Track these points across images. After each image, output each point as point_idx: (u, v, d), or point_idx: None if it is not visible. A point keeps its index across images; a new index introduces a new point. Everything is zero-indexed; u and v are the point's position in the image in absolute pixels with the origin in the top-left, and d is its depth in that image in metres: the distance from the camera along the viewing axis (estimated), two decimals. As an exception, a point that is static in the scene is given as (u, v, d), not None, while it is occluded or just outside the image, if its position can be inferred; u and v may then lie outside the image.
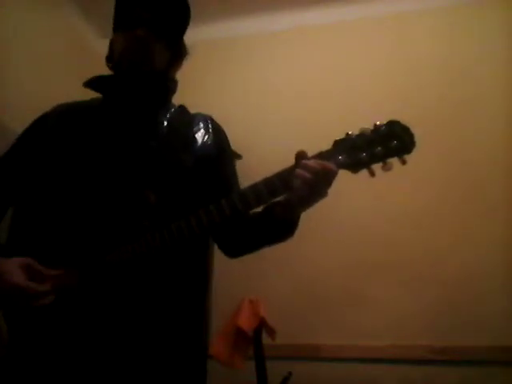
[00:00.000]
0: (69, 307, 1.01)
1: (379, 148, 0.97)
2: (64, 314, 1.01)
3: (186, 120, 1.25)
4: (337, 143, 1.01)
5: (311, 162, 0.99)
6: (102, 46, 3.11)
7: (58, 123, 1.22)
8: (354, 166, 0.99)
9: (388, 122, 1.00)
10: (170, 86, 1.25)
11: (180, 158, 1.15)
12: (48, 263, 1.02)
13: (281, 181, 1.02)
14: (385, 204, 2.40)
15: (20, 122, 2.40)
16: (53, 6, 2.81)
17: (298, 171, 0.99)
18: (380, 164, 0.98)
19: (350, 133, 1.01)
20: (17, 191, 1.21)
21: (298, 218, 1.10)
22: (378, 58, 2.75)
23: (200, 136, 1.22)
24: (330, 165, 0.98)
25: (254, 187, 1.02)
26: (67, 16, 2.94)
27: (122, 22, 1.21)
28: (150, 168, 1.11)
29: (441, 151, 2.47)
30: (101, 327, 1.03)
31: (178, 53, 1.27)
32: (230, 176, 1.27)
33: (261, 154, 2.58)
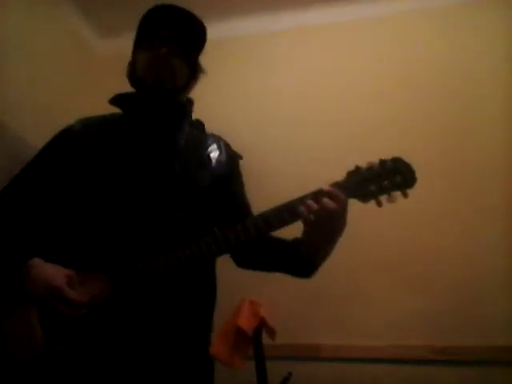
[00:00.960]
0: (101, 310, 1.09)
1: (386, 182, 1.09)
2: (96, 317, 1.09)
3: (201, 139, 1.34)
4: (349, 174, 1.11)
5: (310, 202, 1.07)
6: (101, 46, 3.15)
7: (82, 139, 1.26)
8: (364, 197, 1.10)
9: (392, 159, 1.11)
10: (188, 109, 1.34)
11: (198, 177, 1.26)
12: (83, 271, 1.10)
13: (300, 204, 1.08)
14: (384, 204, 2.40)
15: (20, 121, 2.41)
16: (52, 6, 2.81)
17: (306, 201, 1.07)
18: (386, 196, 1.09)
19: (359, 166, 1.11)
20: (43, 206, 1.26)
21: (321, 261, 1.21)
22: (378, 58, 2.75)
23: (214, 155, 1.32)
24: (330, 203, 1.04)
25: (276, 210, 1.09)
26: (67, 16, 2.94)
27: (145, 42, 1.29)
28: (173, 187, 1.21)
29: (441, 151, 2.47)
30: (128, 329, 1.10)
31: (196, 71, 1.35)
32: (241, 193, 1.38)
33: (261, 153, 2.57)
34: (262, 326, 2.12)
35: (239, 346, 2.08)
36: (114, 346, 1.09)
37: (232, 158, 1.38)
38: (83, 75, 2.97)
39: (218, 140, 1.37)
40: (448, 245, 2.33)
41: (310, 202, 1.05)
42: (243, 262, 1.35)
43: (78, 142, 1.25)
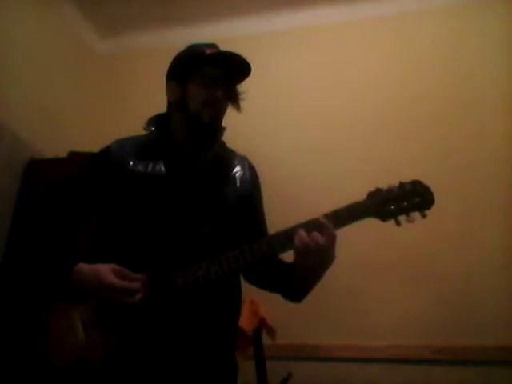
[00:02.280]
0: (138, 315, 1.16)
1: (405, 203, 1.15)
2: (133, 321, 1.16)
3: (226, 159, 1.43)
4: (370, 195, 1.16)
5: (303, 235, 1.11)
6: (101, 46, 3.14)
7: (120, 160, 1.34)
8: (384, 216, 1.16)
9: (411, 181, 1.16)
10: (221, 134, 1.40)
11: (225, 195, 1.33)
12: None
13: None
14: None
15: (20, 121, 2.41)
16: (52, 7, 2.81)
17: (299, 231, 1.12)
18: (404, 216, 1.15)
19: (380, 187, 1.16)
20: (84, 221, 1.36)
21: (309, 287, 1.25)
22: (378, 58, 2.75)
23: (239, 175, 1.41)
24: (320, 238, 1.09)
25: (288, 230, 1.15)
26: (67, 16, 2.94)
27: (200, 78, 1.35)
28: (202, 204, 1.29)
29: (442, 151, 2.47)
30: (161, 334, 1.17)
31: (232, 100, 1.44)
32: (261, 213, 1.46)
33: (260, 153, 2.57)
34: (262, 325, 2.12)
35: (239, 346, 2.08)
36: (149, 349, 1.16)
37: (255, 177, 1.47)
38: (83, 75, 2.97)
39: (242, 160, 1.46)
40: (448, 245, 2.34)
41: (302, 234, 1.10)
42: (249, 277, 1.42)
43: (115, 162, 1.33)
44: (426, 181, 1.18)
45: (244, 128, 2.64)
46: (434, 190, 1.19)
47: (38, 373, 1.21)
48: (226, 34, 2.85)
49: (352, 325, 2.32)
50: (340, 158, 2.58)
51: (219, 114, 1.36)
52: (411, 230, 2.38)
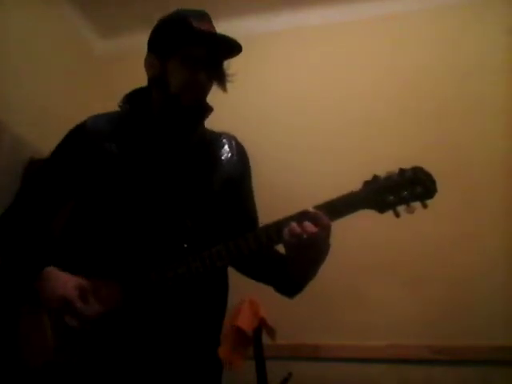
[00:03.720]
0: (112, 317, 1.08)
1: (405, 192, 1.05)
2: (107, 323, 1.08)
3: (212, 140, 1.33)
4: (366, 184, 1.07)
5: (294, 226, 1.03)
6: (101, 46, 3.13)
7: (94, 137, 1.25)
8: (382, 207, 1.06)
9: (412, 168, 1.06)
10: (206, 115, 1.30)
11: (209, 182, 1.23)
12: (94, 276, 1.10)
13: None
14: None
15: (20, 121, 2.41)
16: (52, 6, 2.81)
17: (290, 223, 1.03)
18: (404, 206, 1.05)
19: (377, 175, 1.07)
20: (57, 209, 1.26)
21: (304, 282, 1.18)
22: (378, 58, 2.75)
23: (225, 157, 1.30)
24: (313, 228, 1.01)
25: (278, 223, 1.07)
26: (67, 16, 2.94)
27: (181, 57, 1.23)
28: (185, 195, 1.19)
29: (442, 151, 2.47)
30: (139, 334, 1.10)
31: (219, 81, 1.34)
32: (250, 196, 1.35)
33: (258, 153, 2.57)
34: (261, 326, 2.12)
35: (239, 346, 2.08)
36: (125, 350, 1.10)
37: (243, 158, 1.36)
38: (83, 75, 2.97)
39: (230, 140, 1.35)
40: (448, 246, 2.33)
41: (293, 225, 1.02)
42: (240, 267, 1.32)
43: (90, 140, 1.24)
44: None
45: (242, 127, 2.64)
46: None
47: (9, 375, 1.14)
48: (225, 33, 2.85)
49: (352, 325, 2.32)
50: (340, 157, 2.57)
51: (201, 97, 1.25)
52: (411, 229, 2.38)
